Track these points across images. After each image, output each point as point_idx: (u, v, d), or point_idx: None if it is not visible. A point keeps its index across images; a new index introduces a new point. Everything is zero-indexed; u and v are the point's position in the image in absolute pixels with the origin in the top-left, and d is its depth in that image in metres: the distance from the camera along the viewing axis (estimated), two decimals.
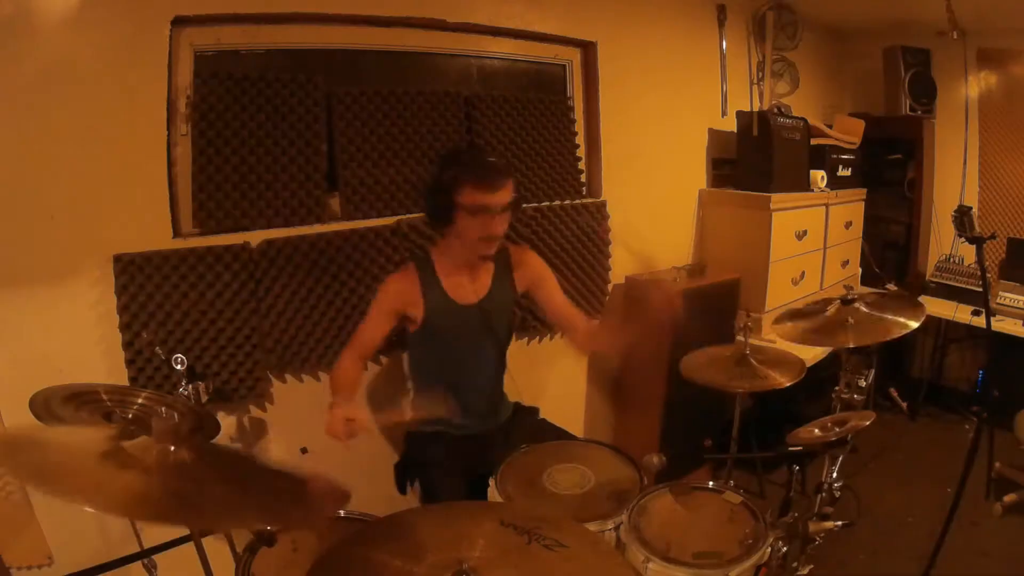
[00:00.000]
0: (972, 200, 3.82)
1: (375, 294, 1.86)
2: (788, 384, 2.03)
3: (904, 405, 2.68)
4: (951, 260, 3.74)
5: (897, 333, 1.95)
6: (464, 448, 1.86)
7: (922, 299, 3.52)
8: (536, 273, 1.95)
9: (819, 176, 3.23)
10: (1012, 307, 3.30)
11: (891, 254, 3.99)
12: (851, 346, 1.99)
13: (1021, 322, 3.21)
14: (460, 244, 1.77)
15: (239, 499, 0.97)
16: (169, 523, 0.98)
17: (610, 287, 2.93)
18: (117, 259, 1.78)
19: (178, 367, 1.70)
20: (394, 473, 1.95)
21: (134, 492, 0.87)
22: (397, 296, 1.80)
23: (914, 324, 1.96)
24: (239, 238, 1.96)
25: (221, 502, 0.94)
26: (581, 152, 2.80)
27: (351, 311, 2.18)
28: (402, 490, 1.94)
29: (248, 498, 0.98)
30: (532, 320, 2.63)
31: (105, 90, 1.73)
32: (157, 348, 1.81)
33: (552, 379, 2.79)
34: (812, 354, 2.70)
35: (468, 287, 1.85)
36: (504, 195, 1.69)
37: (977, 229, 1.94)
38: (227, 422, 2.03)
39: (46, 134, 1.67)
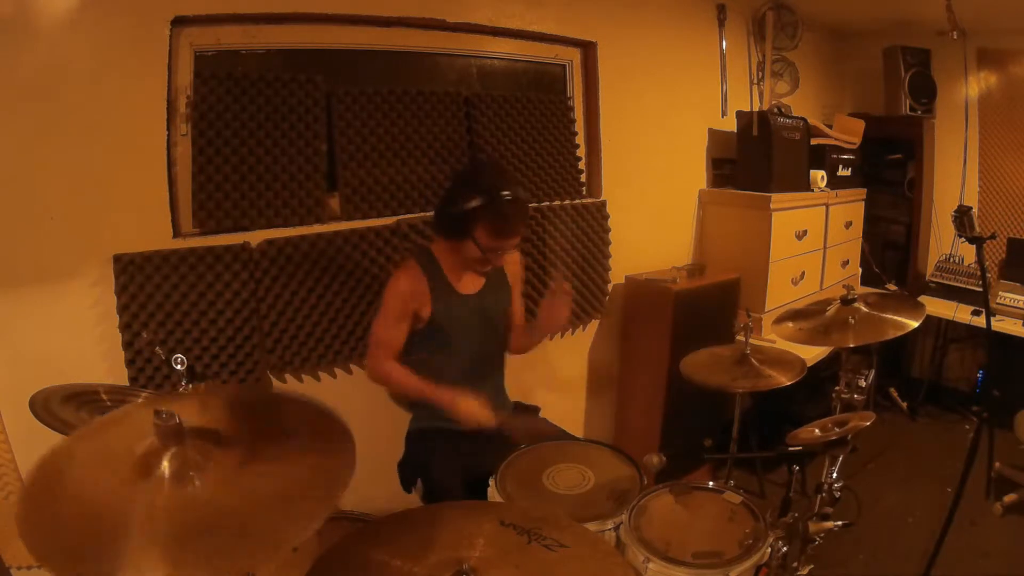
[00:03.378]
0: (972, 200, 3.82)
1: (381, 296, 1.85)
2: (788, 384, 2.02)
3: (904, 405, 2.69)
4: (951, 260, 3.74)
5: (896, 333, 1.95)
6: (465, 447, 1.86)
7: (922, 299, 3.53)
8: (519, 270, 2.09)
9: (819, 176, 3.24)
10: (1012, 307, 3.30)
11: (891, 254, 3.99)
12: (851, 345, 1.99)
13: (1021, 322, 3.21)
14: (463, 257, 1.82)
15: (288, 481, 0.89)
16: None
17: (610, 287, 2.93)
18: (117, 259, 1.78)
19: (178, 367, 1.68)
20: (398, 472, 1.96)
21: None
22: (410, 297, 1.80)
23: (914, 324, 1.96)
24: (239, 238, 1.96)
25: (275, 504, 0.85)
26: (581, 152, 2.80)
27: (351, 311, 2.18)
28: (407, 489, 1.94)
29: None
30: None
31: (105, 90, 1.73)
32: (157, 348, 1.80)
33: (552, 379, 2.79)
34: (812, 354, 2.69)
35: (469, 279, 1.91)
36: (517, 239, 1.77)
37: (977, 229, 1.94)
38: None
39: (46, 134, 1.67)
